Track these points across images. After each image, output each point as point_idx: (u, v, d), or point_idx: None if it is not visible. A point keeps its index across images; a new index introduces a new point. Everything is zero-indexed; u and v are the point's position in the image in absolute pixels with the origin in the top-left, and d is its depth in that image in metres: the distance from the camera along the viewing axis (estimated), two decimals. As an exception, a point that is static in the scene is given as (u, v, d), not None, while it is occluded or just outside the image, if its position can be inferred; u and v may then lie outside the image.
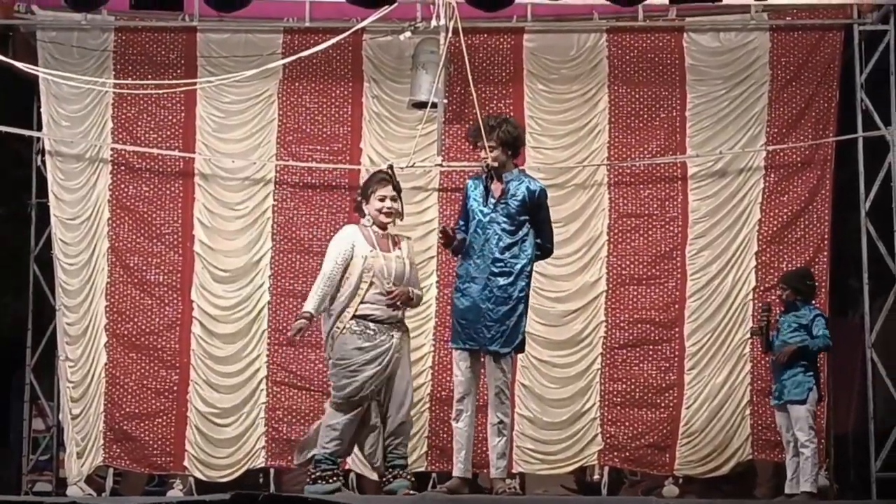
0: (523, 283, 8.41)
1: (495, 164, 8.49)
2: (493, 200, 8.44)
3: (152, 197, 10.58)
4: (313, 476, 8.40)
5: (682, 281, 10.40)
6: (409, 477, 8.53)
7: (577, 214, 10.47)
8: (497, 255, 8.37)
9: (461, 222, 8.60)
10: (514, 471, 10.28)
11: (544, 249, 8.60)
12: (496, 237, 8.39)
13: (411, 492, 8.38)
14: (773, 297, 9.88)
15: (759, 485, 10.37)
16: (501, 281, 8.35)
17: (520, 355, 10.12)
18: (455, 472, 8.51)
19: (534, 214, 8.45)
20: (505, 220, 8.40)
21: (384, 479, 8.48)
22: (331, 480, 8.36)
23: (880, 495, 9.70)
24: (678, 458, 10.28)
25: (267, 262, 10.52)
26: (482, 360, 8.46)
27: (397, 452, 8.45)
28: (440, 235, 8.65)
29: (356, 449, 8.61)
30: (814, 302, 9.62)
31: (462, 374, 8.41)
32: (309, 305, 8.41)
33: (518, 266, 8.40)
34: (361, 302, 8.38)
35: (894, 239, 10.16)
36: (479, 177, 8.60)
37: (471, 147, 8.84)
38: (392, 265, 8.45)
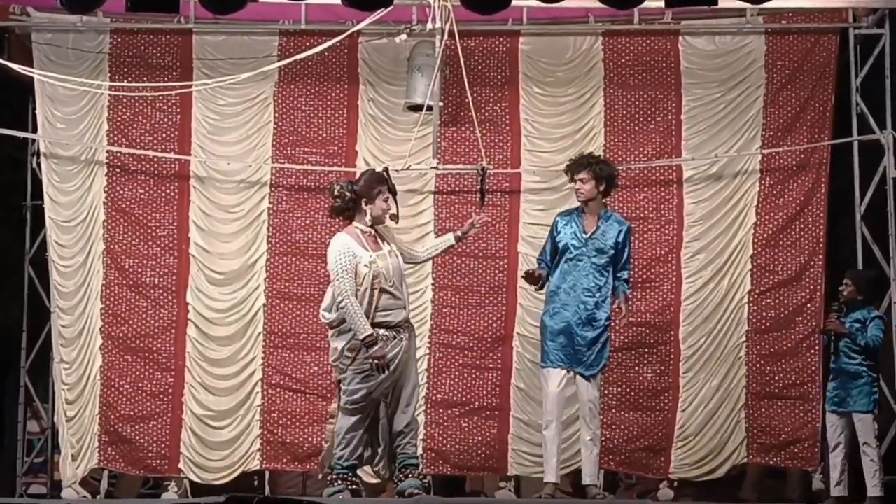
0: (608, 311, 9.02)
1: (490, 167, 8.60)
2: (585, 235, 8.98)
3: (148, 199, 10.57)
4: (328, 481, 8.47)
5: (678, 284, 10.40)
6: (420, 476, 8.53)
7: (573, 217, 10.48)
8: (585, 285, 8.95)
9: (542, 258, 9.22)
10: (509, 473, 10.30)
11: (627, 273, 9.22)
12: (585, 271, 8.95)
13: (416, 491, 8.37)
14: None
15: (745, 486, 10.39)
16: (591, 308, 8.96)
17: (514, 358, 10.23)
18: (549, 479, 8.97)
19: (620, 251, 9.09)
20: (594, 253, 8.97)
21: (396, 480, 8.49)
22: (336, 483, 8.41)
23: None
24: (673, 462, 10.28)
25: (262, 265, 10.50)
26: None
27: (407, 452, 8.44)
28: (525, 278, 9.26)
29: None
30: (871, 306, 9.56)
31: (554, 389, 8.98)
32: (367, 329, 8.24)
33: (606, 294, 9.01)
34: (376, 310, 8.37)
35: (889, 242, 10.18)
36: (571, 213, 9.20)
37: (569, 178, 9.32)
38: (388, 262, 8.44)
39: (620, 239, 9.07)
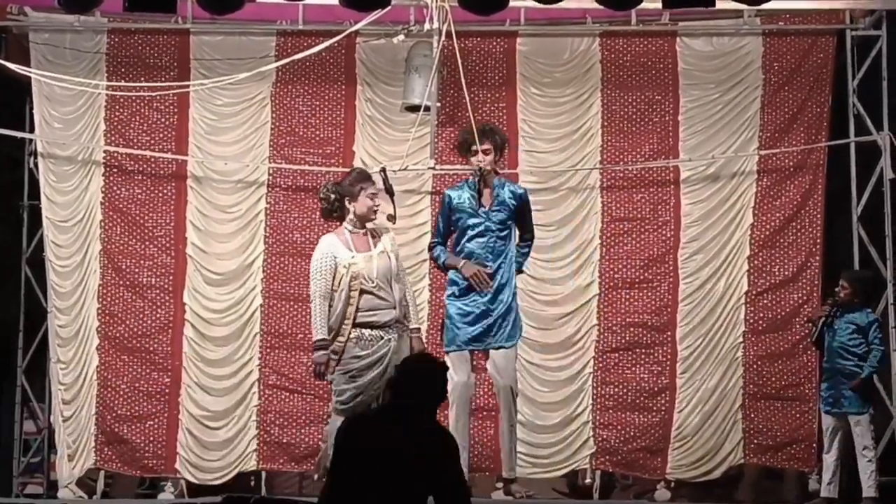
0: (513, 278, 8.56)
1: (488, 168, 8.55)
2: (484, 209, 8.52)
3: (145, 199, 10.57)
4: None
5: (675, 285, 10.40)
6: None
7: (570, 218, 10.47)
8: (487, 258, 8.47)
9: (437, 239, 8.67)
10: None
11: (531, 240, 8.73)
12: (490, 244, 8.48)
13: None
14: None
15: (742, 487, 10.39)
16: (495, 279, 8.46)
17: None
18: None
19: (521, 217, 8.59)
20: (498, 226, 8.50)
21: None
22: None
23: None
24: (670, 462, 10.28)
25: (259, 265, 10.50)
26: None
27: None
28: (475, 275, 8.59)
29: None
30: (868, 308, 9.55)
31: (462, 378, 8.49)
32: (321, 333, 8.25)
33: (509, 262, 8.53)
34: (357, 311, 8.35)
35: (886, 244, 10.19)
36: (461, 185, 8.68)
37: (460, 153, 8.83)
38: (374, 263, 8.38)
39: (521, 204, 8.56)
